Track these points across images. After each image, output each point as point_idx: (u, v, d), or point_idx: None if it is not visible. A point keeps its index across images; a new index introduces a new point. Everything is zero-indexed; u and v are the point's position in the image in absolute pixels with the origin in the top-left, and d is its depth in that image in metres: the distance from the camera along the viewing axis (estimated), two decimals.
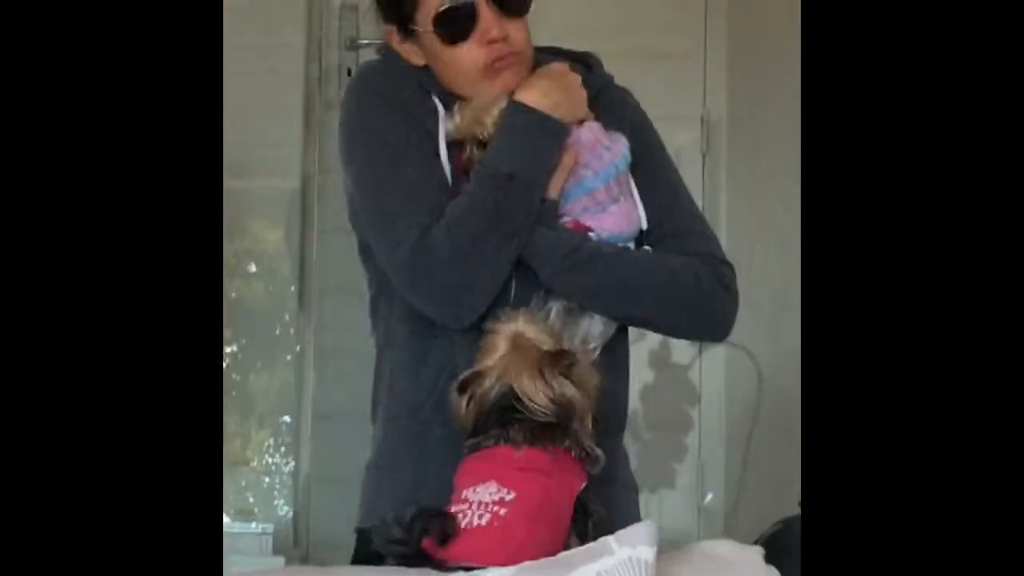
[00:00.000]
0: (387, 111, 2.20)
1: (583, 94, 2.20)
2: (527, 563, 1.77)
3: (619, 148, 2.21)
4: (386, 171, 2.17)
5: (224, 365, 4.54)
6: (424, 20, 2.17)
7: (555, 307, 2.15)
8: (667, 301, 2.18)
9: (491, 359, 2.02)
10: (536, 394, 1.99)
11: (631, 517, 2.25)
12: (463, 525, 1.90)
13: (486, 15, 2.14)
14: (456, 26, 2.16)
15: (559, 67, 2.22)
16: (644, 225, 2.22)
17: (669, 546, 1.93)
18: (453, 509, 1.93)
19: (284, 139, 4.33)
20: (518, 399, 1.98)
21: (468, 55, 2.18)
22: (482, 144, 2.15)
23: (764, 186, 4.29)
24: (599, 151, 2.19)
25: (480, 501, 1.92)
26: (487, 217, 2.08)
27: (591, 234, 2.16)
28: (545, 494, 1.98)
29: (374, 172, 2.19)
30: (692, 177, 4.39)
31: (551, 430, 2.02)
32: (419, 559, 1.88)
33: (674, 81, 4.47)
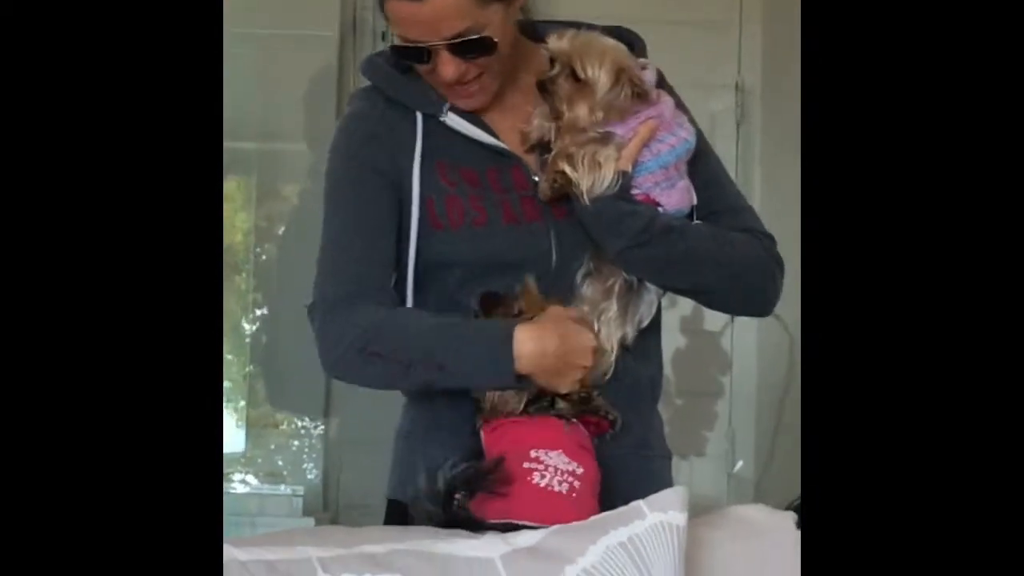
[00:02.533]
0: (355, 172, 2.21)
1: (574, 376, 2.08)
2: (559, 526, 1.78)
3: (690, 127, 2.21)
4: (335, 232, 2.21)
5: (254, 328, 4.56)
6: (391, 32, 2.16)
7: (618, 282, 2.16)
8: (731, 274, 2.19)
9: None
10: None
11: (666, 485, 2.25)
12: (542, 484, 1.93)
13: (443, 58, 2.11)
14: (412, 60, 2.15)
15: (583, 344, 2.10)
16: (695, 201, 2.22)
17: (699, 513, 1.93)
18: (525, 465, 1.95)
19: (316, 102, 4.33)
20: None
21: (426, 73, 2.17)
22: (576, 79, 2.12)
23: (798, 154, 4.27)
24: (674, 128, 2.18)
25: (556, 467, 1.95)
26: (395, 363, 2.10)
27: (659, 208, 2.15)
28: (598, 474, 2.01)
29: (328, 225, 2.22)
30: (726, 145, 4.40)
31: (585, 404, 2.06)
32: (454, 523, 1.90)
33: (709, 49, 4.46)
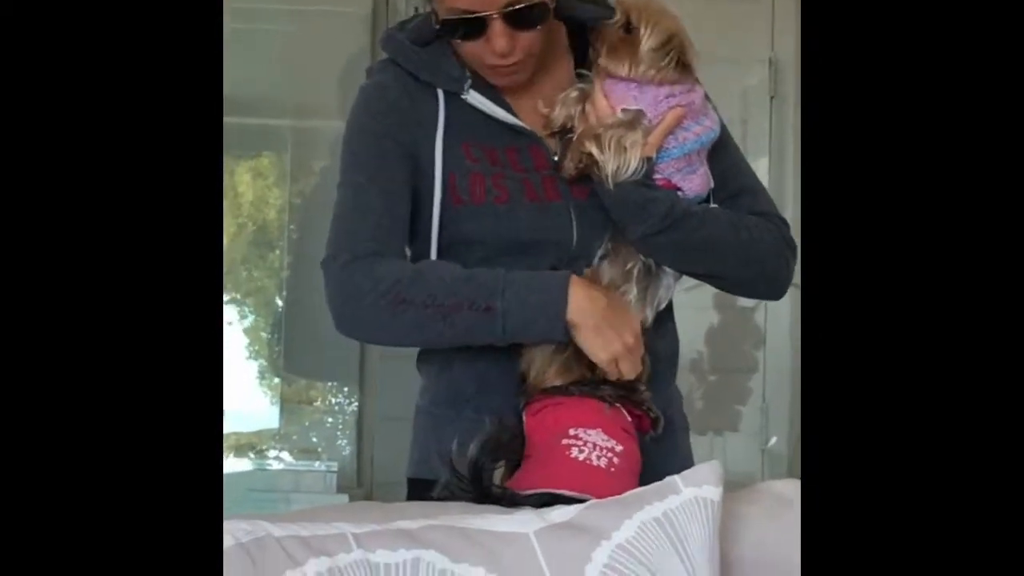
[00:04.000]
0: (373, 137, 2.20)
1: (612, 348, 2.06)
2: (593, 501, 1.78)
3: (715, 116, 2.22)
4: (354, 193, 2.17)
5: (288, 305, 4.57)
6: (440, 11, 2.13)
7: (637, 265, 2.16)
8: (747, 259, 2.19)
9: None
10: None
11: (686, 457, 2.28)
12: (580, 458, 1.95)
13: (496, 28, 2.08)
14: (464, 33, 2.12)
15: (632, 326, 2.11)
16: (712, 186, 2.22)
17: (733, 488, 1.94)
18: (564, 441, 1.97)
19: (349, 79, 4.33)
20: None
21: (474, 51, 2.15)
22: (627, 30, 2.12)
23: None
24: (700, 117, 2.18)
25: (595, 443, 1.96)
26: (434, 310, 2.07)
27: (679, 193, 2.15)
28: (639, 457, 2.03)
29: (345, 185, 2.19)
30: (760, 120, 4.39)
31: (630, 394, 2.07)
32: (488, 499, 1.90)
33: (742, 23, 4.45)
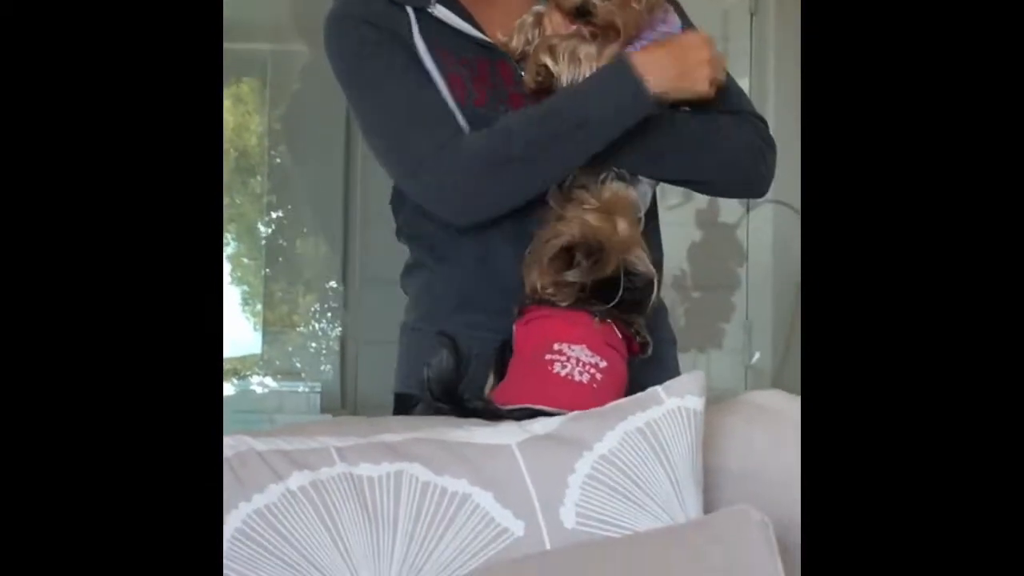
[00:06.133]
0: (375, 46, 2.16)
1: (704, 72, 2.09)
2: (576, 412, 1.78)
3: (674, 19, 2.20)
4: (390, 101, 2.14)
5: (270, 231, 4.57)
6: None
7: (610, 176, 2.15)
8: (721, 160, 2.20)
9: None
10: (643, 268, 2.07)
11: (671, 369, 2.28)
12: (562, 374, 1.95)
13: None
14: None
15: (693, 40, 2.12)
16: None
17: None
18: (547, 356, 1.97)
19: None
20: (628, 274, 2.05)
21: None
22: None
23: None
24: (657, 24, 2.16)
25: (578, 359, 1.96)
26: (536, 152, 2.06)
27: None
28: (624, 374, 2.03)
29: (374, 111, 2.17)
30: (740, 38, 4.37)
31: (621, 314, 2.06)
32: (467, 412, 1.91)
33: None
